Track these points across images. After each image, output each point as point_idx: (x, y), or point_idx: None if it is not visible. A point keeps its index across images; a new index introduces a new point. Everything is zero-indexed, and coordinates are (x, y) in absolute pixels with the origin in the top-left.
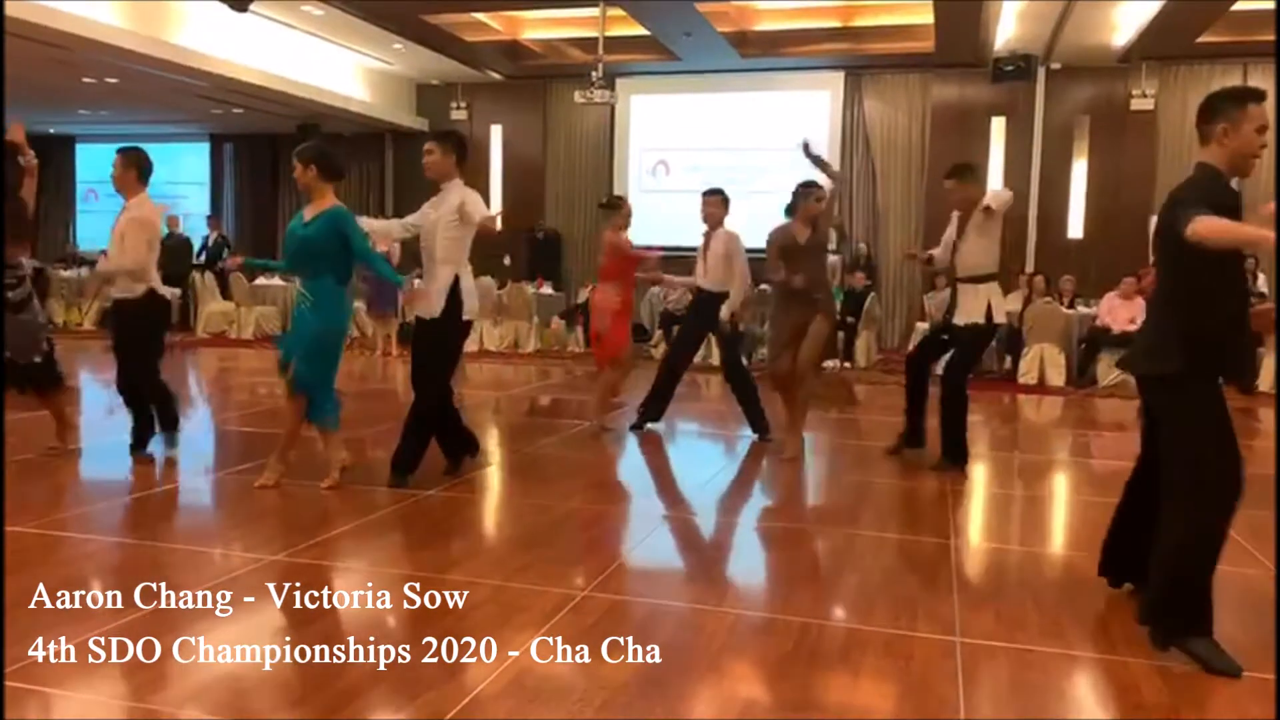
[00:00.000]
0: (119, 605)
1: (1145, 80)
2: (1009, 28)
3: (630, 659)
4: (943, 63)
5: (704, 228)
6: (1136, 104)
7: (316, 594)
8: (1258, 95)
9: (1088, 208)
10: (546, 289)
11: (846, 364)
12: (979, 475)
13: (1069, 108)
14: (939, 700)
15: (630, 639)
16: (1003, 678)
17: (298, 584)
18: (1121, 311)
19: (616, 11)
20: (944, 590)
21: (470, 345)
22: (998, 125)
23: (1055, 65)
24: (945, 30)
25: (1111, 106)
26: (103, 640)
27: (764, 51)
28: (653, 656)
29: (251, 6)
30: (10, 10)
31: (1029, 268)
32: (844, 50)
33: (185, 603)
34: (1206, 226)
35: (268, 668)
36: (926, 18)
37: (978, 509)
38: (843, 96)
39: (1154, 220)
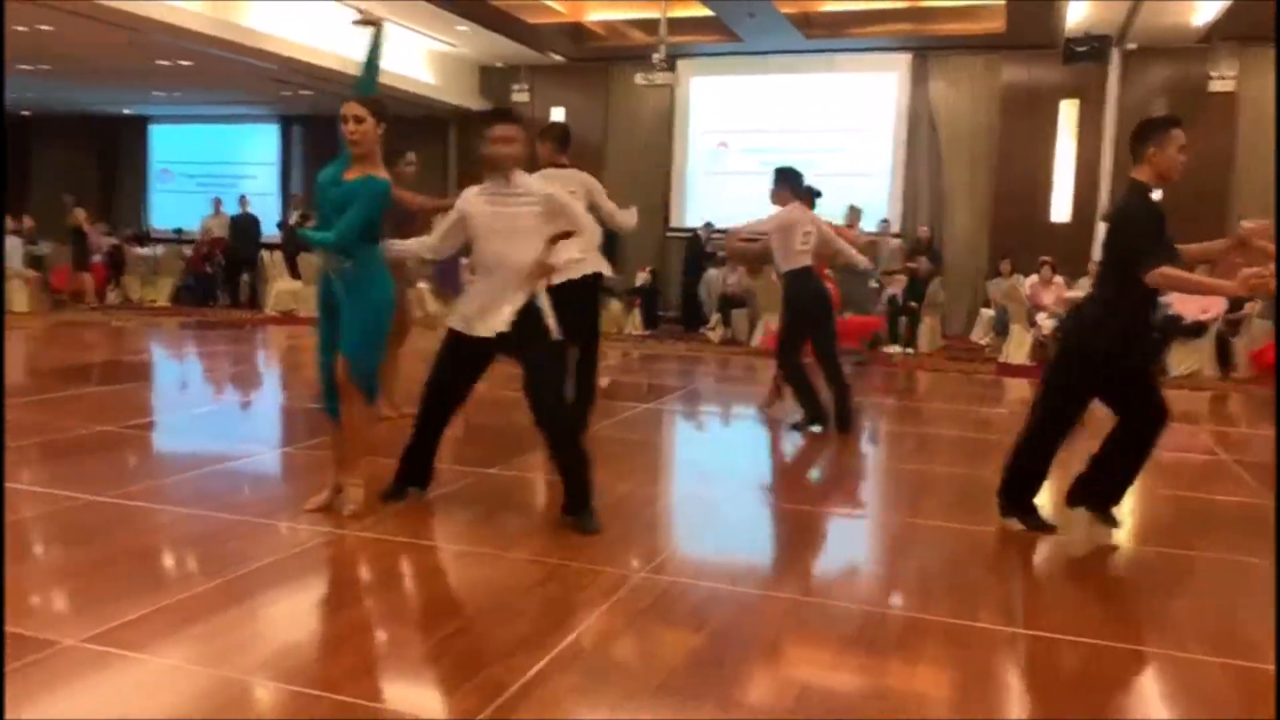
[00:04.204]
0: (191, 574)
1: (1225, 61)
2: (1082, 7)
3: (686, 641)
4: (1013, 44)
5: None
6: (1216, 85)
7: (381, 568)
8: (1176, 121)
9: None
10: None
11: (909, 350)
12: None
13: (1144, 90)
14: (1000, 692)
15: (686, 621)
16: (1066, 671)
17: (363, 558)
18: (1190, 301)
19: None
20: (1007, 580)
21: None
22: (1068, 108)
23: (1131, 46)
24: (1016, 10)
25: (1189, 88)
26: (178, 607)
27: (828, 32)
28: (709, 639)
29: None
30: None
31: (1097, 254)
32: (911, 31)
33: (255, 574)
34: (1165, 278)
35: (334, 638)
36: None
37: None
38: (909, 78)
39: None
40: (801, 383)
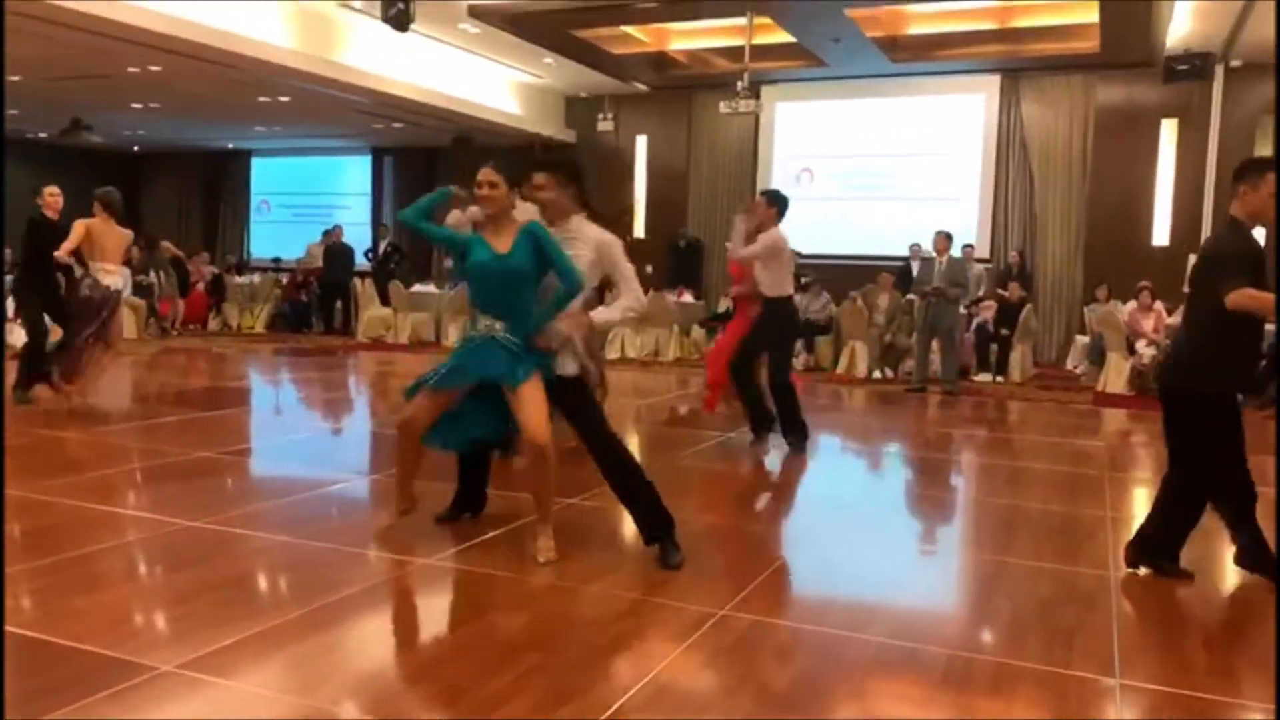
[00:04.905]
0: (283, 601)
1: None
2: (1183, 24)
3: (769, 682)
4: (1109, 63)
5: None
6: None
7: (464, 599)
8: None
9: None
10: (687, 297)
11: (999, 378)
12: (1144, 502)
13: (1251, 109)
14: None
15: (769, 661)
16: None
17: (447, 588)
18: None
19: (763, 20)
20: (1103, 626)
21: (611, 353)
22: (1169, 128)
23: (1235, 63)
24: (1112, 29)
25: None
26: (269, 634)
27: (916, 56)
28: (792, 681)
29: (411, 26)
30: (196, 36)
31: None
32: (1001, 52)
33: (343, 602)
34: (1244, 297)
35: (416, 669)
36: (1091, 17)
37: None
38: (999, 100)
39: None
40: (766, 402)
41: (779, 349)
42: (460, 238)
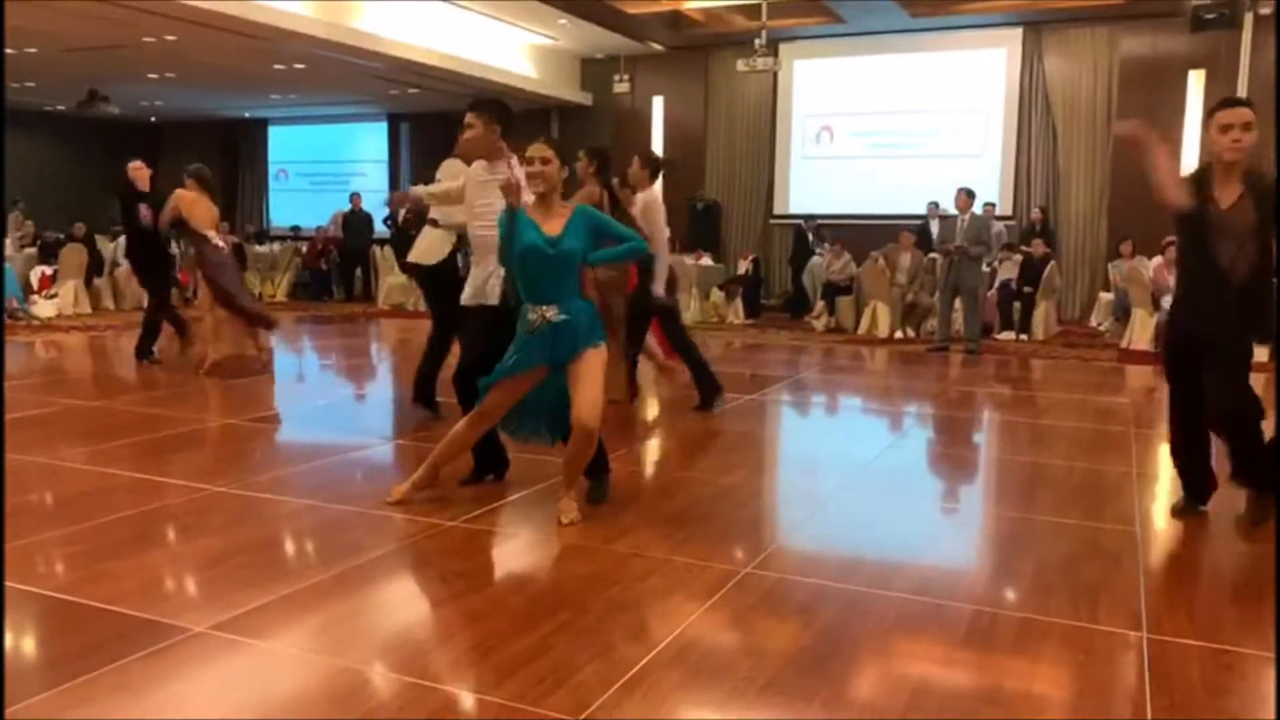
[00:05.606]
0: (311, 564)
1: None
2: None
3: (793, 639)
4: (1134, 13)
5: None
6: None
7: (488, 560)
8: (1222, 103)
9: None
10: (706, 260)
11: (1023, 336)
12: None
13: None
14: (1124, 699)
15: (793, 618)
16: (1195, 679)
17: (472, 549)
18: None
19: None
20: (1129, 581)
21: None
22: (1195, 79)
23: (1264, 10)
24: None
25: None
26: (298, 596)
27: (935, 10)
28: (816, 637)
29: None
30: (214, 6)
31: None
32: (1022, 5)
33: (370, 564)
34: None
35: (443, 630)
36: None
37: (1168, 494)
38: (1021, 54)
39: None
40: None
41: (667, 307)
42: (507, 224)
